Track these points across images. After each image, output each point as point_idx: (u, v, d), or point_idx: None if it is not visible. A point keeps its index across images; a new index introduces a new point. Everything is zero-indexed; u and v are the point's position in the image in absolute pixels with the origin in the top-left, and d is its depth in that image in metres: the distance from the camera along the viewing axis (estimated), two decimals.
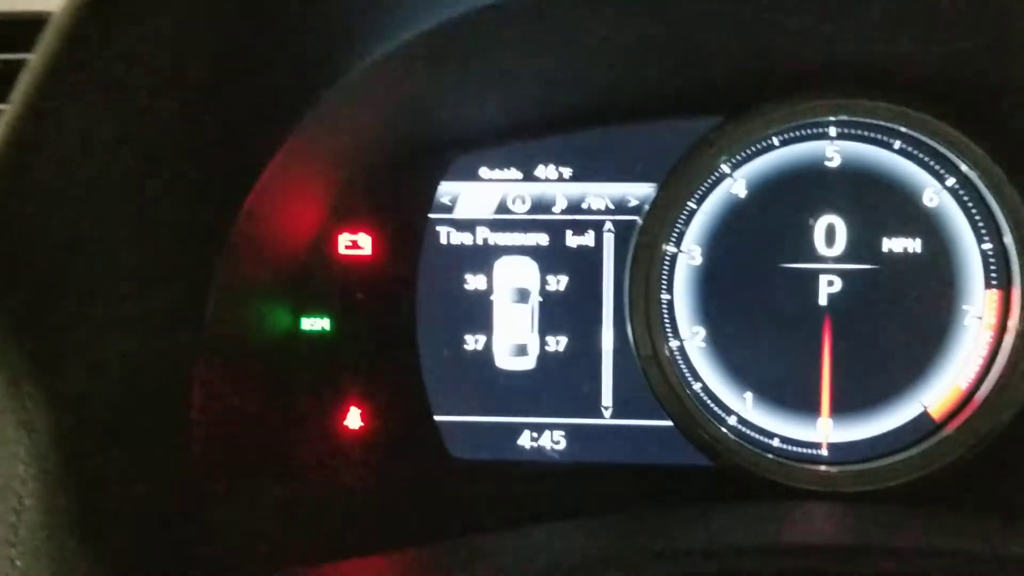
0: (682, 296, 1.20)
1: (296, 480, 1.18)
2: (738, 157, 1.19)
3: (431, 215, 1.21)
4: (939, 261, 1.17)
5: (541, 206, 1.21)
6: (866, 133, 1.17)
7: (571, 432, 1.21)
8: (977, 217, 1.17)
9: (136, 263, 0.88)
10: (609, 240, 1.21)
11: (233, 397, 1.08)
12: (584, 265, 1.21)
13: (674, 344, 1.20)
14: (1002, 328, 1.17)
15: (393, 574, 1.04)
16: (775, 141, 1.18)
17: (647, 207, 1.18)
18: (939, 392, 1.19)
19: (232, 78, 0.83)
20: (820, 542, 1.01)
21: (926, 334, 1.18)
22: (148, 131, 0.80)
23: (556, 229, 1.21)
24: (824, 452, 1.20)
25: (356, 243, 1.20)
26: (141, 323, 0.91)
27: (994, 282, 1.17)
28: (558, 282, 1.22)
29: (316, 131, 0.99)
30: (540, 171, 1.21)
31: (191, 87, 0.80)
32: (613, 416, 1.21)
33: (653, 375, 1.19)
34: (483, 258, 1.22)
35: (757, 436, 1.20)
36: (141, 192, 0.84)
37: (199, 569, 0.99)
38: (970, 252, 1.17)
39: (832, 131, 1.17)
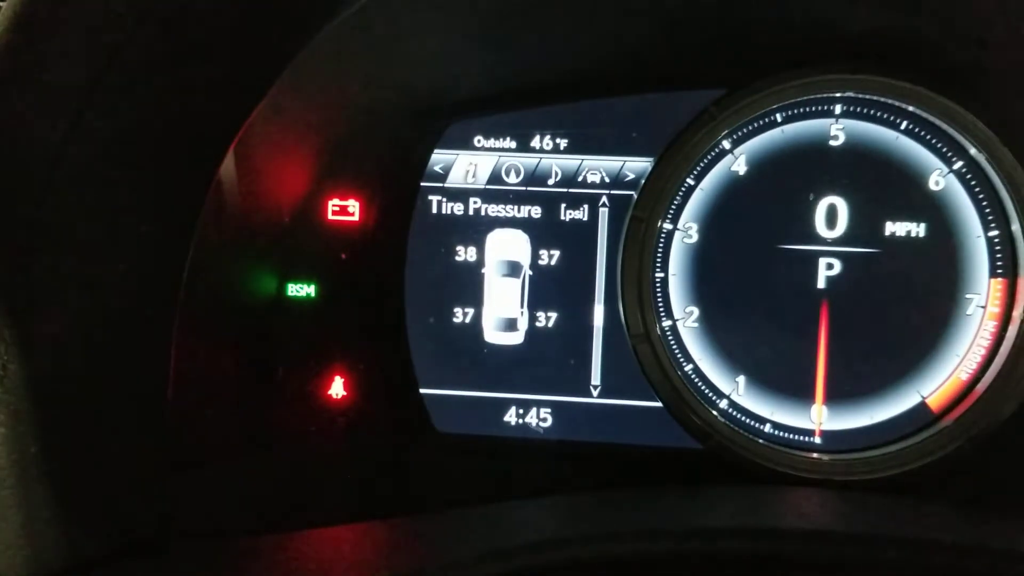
0: (676, 274, 1.17)
1: (276, 448, 1.16)
2: (740, 133, 1.15)
3: (423, 183, 1.19)
4: (943, 247, 1.14)
5: (535, 178, 1.18)
6: (872, 112, 1.13)
7: (558, 410, 1.19)
8: (984, 202, 1.13)
9: (108, 220, 0.87)
10: (604, 215, 1.18)
11: (213, 360, 1.07)
12: (577, 240, 1.18)
13: (666, 324, 1.18)
14: (1006, 318, 1.14)
15: (371, 544, 1.02)
16: (778, 118, 1.15)
17: (643, 181, 1.15)
18: (938, 382, 1.15)
19: (205, 28, 0.80)
20: (807, 528, 0.98)
21: (927, 322, 1.15)
22: (120, 84, 0.78)
23: (550, 202, 1.18)
24: (817, 439, 1.17)
25: (345, 209, 1.17)
26: (115, 281, 0.90)
27: (1000, 270, 1.14)
28: (550, 256, 1.19)
29: (299, 92, 0.97)
30: (535, 141, 1.18)
31: (161, 38, 0.78)
32: (601, 395, 1.19)
33: (644, 355, 1.16)
34: (474, 229, 1.19)
35: (748, 421, 1.17)
36: (114, 148, 0.83)
37: (173, 530, 0.97)
38: (975, 238, 1.13)
39: (837, 109, 1.14)
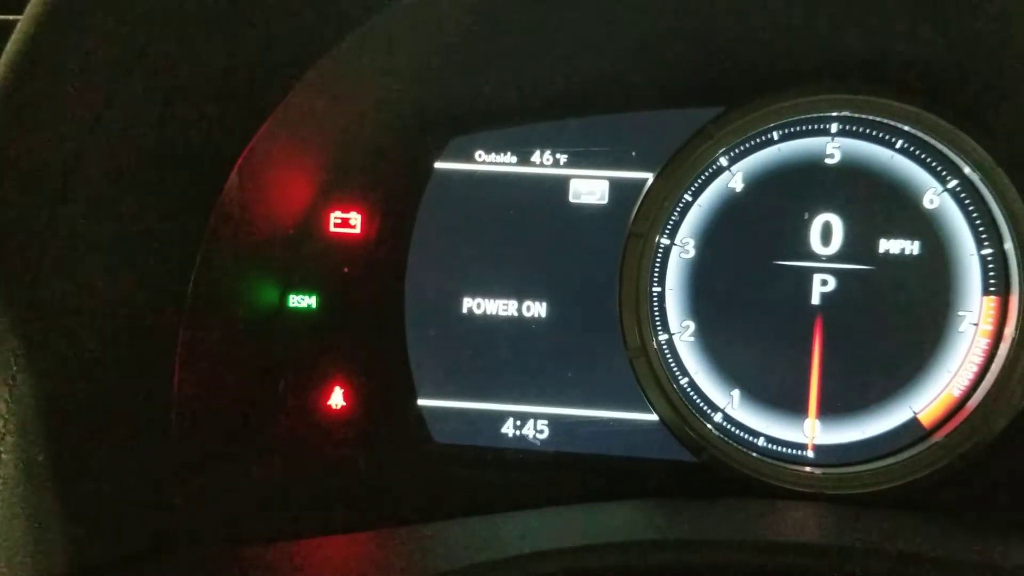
0: (673, 289, 1.19)
1: (276, 457, 1.18)
2: (737, 150, 1.17)
3: (424, 196, 1.20)
4: (936, 265, 1.15)
5: (536, 193, 1.19)
6: (868, 131, 1.15)
7: (555, 422, 1.20)
8: (978, 221, 1.15)
9: (118, 233, 0.88)
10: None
11: (216, 371, 1.08)
12: (577, 255, 1.19)
13: (663, 337, 1.19)
14: (998, 336, 1.15)
15: (369, 554, 1.03)
16: (775, 136, 1.16)
17: (641, 197, 1.17)
18: (930, 398, 1.17)
19: (216, 46, 0.82)
20: (799, 541, 0.99)
21: (920, 339, 1.16)
22: (129, 100, 0.80)
23: (550, 216, 1.19)
24: (810, 453, 1.18)
25: (347, 221, 1.19)
26: (123, 293, 0.91)
27: (992, 288, 1.15)
28: (549, 271, 1.20)
29: (304, 106, 0.98)
30: (536, 157, 1.19)
31: (173, 54, 0.79)
32: (598, 408, 1.20)
33: (640, 368, 1.17)
34: (475, 243, 1.20)
35: (742, 434, 1.19)
36: (123, 162, 0.84)
37: (175, 539, 0.99)
38: (969, 257, 1.15)
39: (833, 127, 1.15)
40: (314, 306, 1.19)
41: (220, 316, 1.07)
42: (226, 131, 0.92)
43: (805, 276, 1.16)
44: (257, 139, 1.00)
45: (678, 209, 1.18)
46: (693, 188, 1.17)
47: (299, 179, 1.15)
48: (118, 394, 0.92)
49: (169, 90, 0.81)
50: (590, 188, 1.18)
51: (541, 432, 1.21)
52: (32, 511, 0.82)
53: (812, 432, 1.18)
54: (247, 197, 1.06)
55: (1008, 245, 1.13)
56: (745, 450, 1.17)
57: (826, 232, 1.16)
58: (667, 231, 1.18)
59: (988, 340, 1.16)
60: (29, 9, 0.71)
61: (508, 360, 1.20)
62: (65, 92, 0.74)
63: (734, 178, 1.17)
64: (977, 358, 1.16)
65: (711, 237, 1.18)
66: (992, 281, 1.15)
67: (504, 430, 1.21)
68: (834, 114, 1.14)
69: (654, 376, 1.17)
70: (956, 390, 1.16)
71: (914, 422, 1.17)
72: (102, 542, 0.90)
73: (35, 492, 0.82)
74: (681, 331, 1.19)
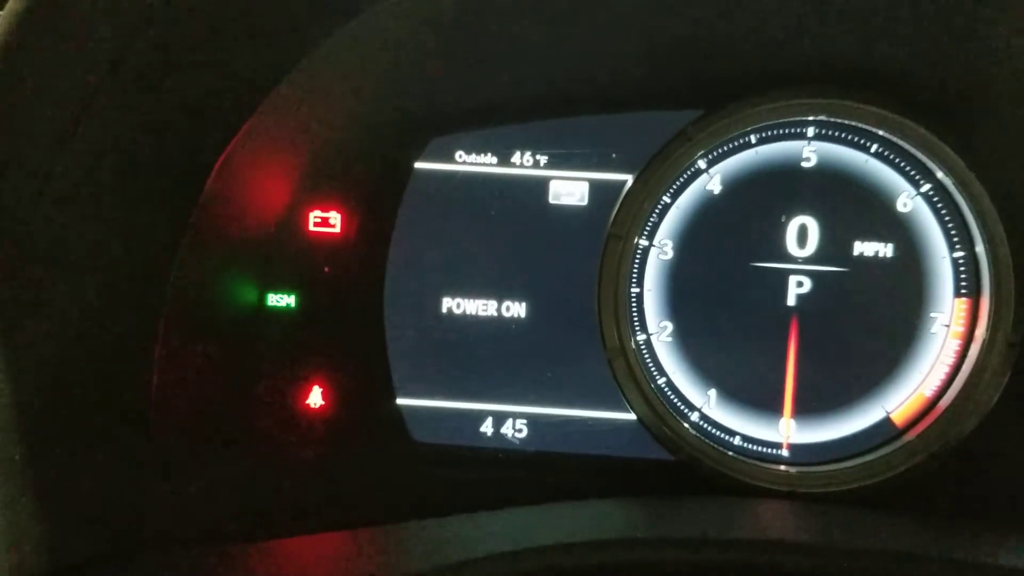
0: (652, 290, 1.20)
1: (254, 456, 1.17)
2: (715, 153, 1.18)
3: (404, 197, 1.20)
4: (909, 267, 1.17)
5: (516, 194, 1.20)
6: (843, 135, 1.16)
7: (533, 421, 1.21)
8: (950, 224, 1.17)
9: (97, 232, 0.88)
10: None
11: (194, 369, 1.08)
12: (556, 256, 1.20)
13: (641, 338, 1.20)
14: (969, 337, 1.17)
15: (346, 553, 1.04)
16: (752, 139, 1.18)
17: (621, 199, 1.18)
18: (903, 398, 1.19)
19: (198, 48, 0.82)
20: (772, 539, 1.01)
21: (893, 340, 1.18)
22: (108, 100, 0.79)
23: (530, 218, 1.20)
24: (785, 452, 1.20)
25: (327, 220, 1.19)
26: (102, 293, 0.91)
27: (964, 291, 1.17)
28: (529, 271, 1.20)
29: (285, 106, 0.98)
30: (516, 158, 1.20)
31: (154, 54, 0.79)
32: (576, 407, 1.21)
33: (618, 368, 1.18)
34: (455, 243, 1.20)
35: (719, 433, 1.20)
36: (103, 162, 0.84)
37: (152, 538, 0.99)
38: (941, 259, 1.17)
39: (810, 131, 1.17)
40: (293, 305, 1.19)
41: (199, 315, 1.07)
42: (206, 131, 0.91)
43: (781, 277, 1.18)
44: (237, 139, 1.00)
45: (657, 211, 1.19)
46: (672, 190, 1.18)
47: (279, 179, 1.15)
48: (96, 393, 0.92)
49: (148, 92, 0.81)
50: (570, 189, 1.19)
51: (520, 431, 1.21)
52: (9, 510, 0.81)
53: (787, 431, 1.19)
54: (227, 196, 1.06)
55: (979, 248, 1.15)
56: (721, 449, 1.19)
57: (802, 234, 1.17)
58: (646, 232, 1.19)
59: (959, 341, 1.18)
60: (9, 6, 0.70)
61: (487, 360, 1.21)
62: (43, 95, 0.74)
63: (712, 180, 1.18)
64: (949, 359, 1.18)
65: (689, 239, 1.19)
66: (964, 283, 1.17)
67: (483, 429, 1.22)
68: (811, 118, 1.15)
69: (632, 376, 1.18)
70: (928, 390, 1.18)
71: (887, 422, 1.19)
72: (79, 541, 0.90)
73: (12, 491, 0.82)
74: (659, 332, 1.20)
